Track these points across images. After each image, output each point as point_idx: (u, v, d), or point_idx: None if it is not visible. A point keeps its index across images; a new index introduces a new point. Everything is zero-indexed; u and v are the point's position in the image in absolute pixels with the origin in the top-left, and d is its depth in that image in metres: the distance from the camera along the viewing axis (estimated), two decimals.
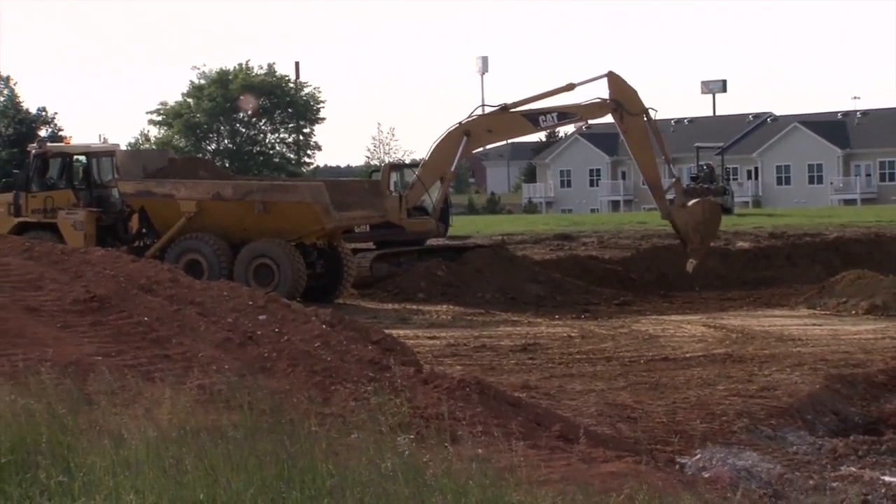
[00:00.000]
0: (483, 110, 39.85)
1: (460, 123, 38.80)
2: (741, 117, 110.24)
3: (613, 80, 37.58)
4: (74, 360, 13.67)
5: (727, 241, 43.62)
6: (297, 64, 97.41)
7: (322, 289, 33.38)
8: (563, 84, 38.83)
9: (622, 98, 37.41)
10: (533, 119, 39.17)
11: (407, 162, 48.95)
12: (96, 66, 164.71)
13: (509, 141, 55.44)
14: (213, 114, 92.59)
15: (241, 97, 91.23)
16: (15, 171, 45.73)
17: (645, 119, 37.76)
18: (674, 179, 40.44)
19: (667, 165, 40.80)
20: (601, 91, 38.30)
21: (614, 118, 38.00)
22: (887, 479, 14.96)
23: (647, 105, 38.16)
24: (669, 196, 39.16)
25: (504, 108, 38.75)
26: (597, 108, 38.81)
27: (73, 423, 9.93)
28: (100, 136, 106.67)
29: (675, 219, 37.65)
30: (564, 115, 40.06)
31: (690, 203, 38.54)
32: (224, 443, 9.09)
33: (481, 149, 57.15)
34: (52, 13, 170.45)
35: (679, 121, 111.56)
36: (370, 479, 8.18)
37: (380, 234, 38.20)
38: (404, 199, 38.43)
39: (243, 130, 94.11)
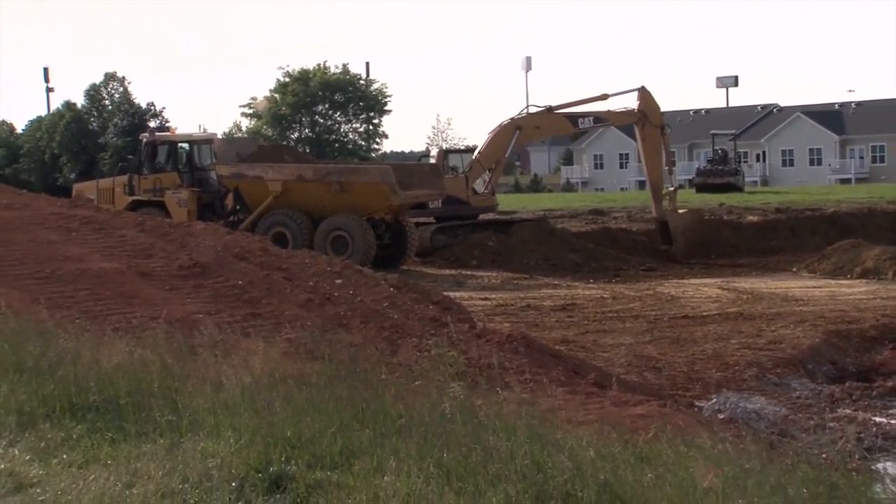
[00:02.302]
0: (529, 110, 40.86)
1: (512, 119, 39.80)
2: (751, 108, 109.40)
3: (644, 94, 39.04)
4: (180, 318, 13.76)
5: (739, 215, 43.38)
6: (367, 64, 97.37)
7: (389, 257, 33.42)
8: (598, 94, 40.11)
9: (648, 110, 39.07)
10: (573, 120, 41.30)
11: (462, 147, 48.79)
12: (197, 66, 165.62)
13: None
14: (296, 107, 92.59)
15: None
16: (129, 157, 46.09)
17: (661, 132, 38.85)
18: (673, 188, 40.92)
19: (670, 175, 41.67)
20: (629, 100, 39.85)
21: (637, 125, 39.73)
22: (878, 419, 14.89)
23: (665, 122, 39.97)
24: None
25: (549, 109, 40.46)
26: (626, 115, 40.51)
27: (181, 370, 10.00)
28: (200, 126, 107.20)
29: (669, 220, 38.75)
30: (599, 119, 42.08)
31: (681, 211, 39.59)
32: (307, 388, 9.13)
33: (529, 142, 57.61)
34: (159, 21, 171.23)
35: (697, 111, 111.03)
36: (432, 419, 8.19)
37: (451, 209, 38.34)
38: (468, 179, 38.95)
39: (321, 121, 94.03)
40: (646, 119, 39.04)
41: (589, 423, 9.71)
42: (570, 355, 15.96)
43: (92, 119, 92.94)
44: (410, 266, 33.98)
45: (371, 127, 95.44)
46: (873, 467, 11.32)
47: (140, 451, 8.07)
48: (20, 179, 78.30)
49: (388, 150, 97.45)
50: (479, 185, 39.86)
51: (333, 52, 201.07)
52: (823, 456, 10.65)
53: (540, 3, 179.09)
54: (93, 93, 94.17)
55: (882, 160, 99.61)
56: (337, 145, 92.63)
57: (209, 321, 13.18)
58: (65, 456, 8.11)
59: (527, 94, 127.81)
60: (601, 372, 14.43)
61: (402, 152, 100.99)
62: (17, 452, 8.25)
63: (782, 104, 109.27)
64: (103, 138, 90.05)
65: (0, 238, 18.36)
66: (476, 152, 41.24)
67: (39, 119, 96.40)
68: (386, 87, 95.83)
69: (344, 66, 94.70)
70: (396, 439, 7.84)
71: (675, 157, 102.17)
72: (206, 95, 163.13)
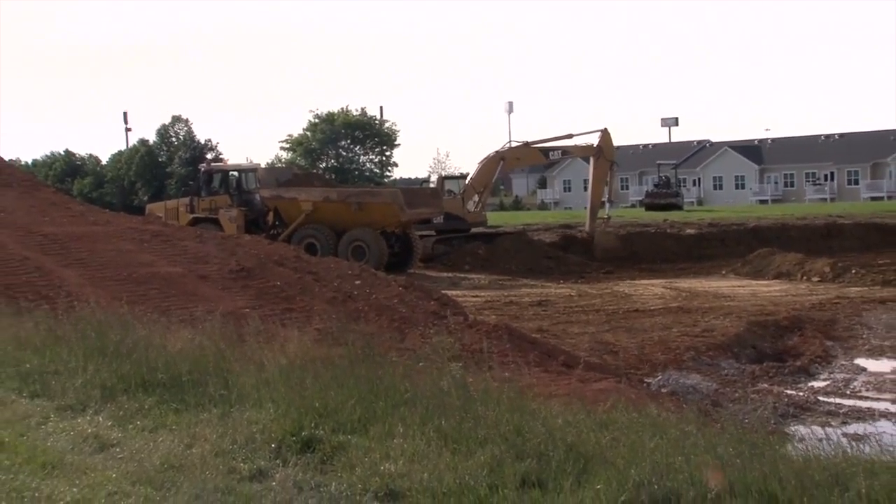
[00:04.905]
0: (511, 144, 41.50)
1: (497, 152, 40.38)
2: (688, 143, 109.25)
3: (605, 135, 39.86)
4: (231, 311, 13.76)
5: (679, 228, 43.37)
6: (381, 108, 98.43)
7: (399, 263, 33.46)
8: (565, 133, 41.15)
9: (605, 147, 40.09)
10: (545, 153, 42.62)
11: (457, 175, 49.02)
12: (245, 109, 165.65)
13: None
14: (324, 142, 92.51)
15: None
16: (190, 182, 46.15)
17: (610, 167, 39.30)
18: (607, 216, 41.98)
19: (609, 203, 43.13)
20: (590, 137, 40.71)
21: (593, 157, 40.09)
22: (789, 392, 14.86)
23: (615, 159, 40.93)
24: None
25: (527, 144, 41.11)
26: (586, 149, 41.36)
27: (231, 354, 9.99)
28: (247, 158, 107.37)
29: (597, 238, 39.68)
30: (566, 152, 43.11)
31: (608, 231, 40.45)
32: (333, 368, 9.12)
33: (511, 170, 58.28)
34: (216, 73, 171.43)
35: (645, 145, 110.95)
36: (432, 394, 8.18)
37: (449, 224, 38.42)
38: (463, 200, 39.23)
39: (344, 154, 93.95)
40: (601, 153, 39.56)
41: (559, 397, 9.70)
42: (544, 342, 15.96)
43: (161, 153, 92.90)
44: (416, 270, 34.01)
45: (384, 158, 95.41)
46: (785, 430, 11.31)
47: (198, 419, 8.05)
48: (104, 201, 78.21)
49: (397, 177, 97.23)
50: (471, 205, 40.02)
51: (354, 97, 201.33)
52: (746, 421, 10.63)
53: (520, 58, 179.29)
54: (162, 131, 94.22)
55: (792, 185, 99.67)
56: (356, 173, 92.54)
57: (254, 314, 13.18)
58: (138, 422, 8.10)
59: (509, 131, 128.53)
60: (569, 355, 14.43)
61: (409, 178, 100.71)
62: (101, 419, 8.23)
63: (713, 140, 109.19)
64: (170, 168, 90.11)
65: (88, 248, 18.36)
66: (468, 178, 41.56)
67: (120, 153, 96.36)
68: (396, 126, 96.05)
69: (362, 109, 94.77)
70: (404, 409, 7.83)
71: (628, 183, 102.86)
72: (252, 133, 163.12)
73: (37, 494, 6.19)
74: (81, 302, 13.18)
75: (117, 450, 7.32)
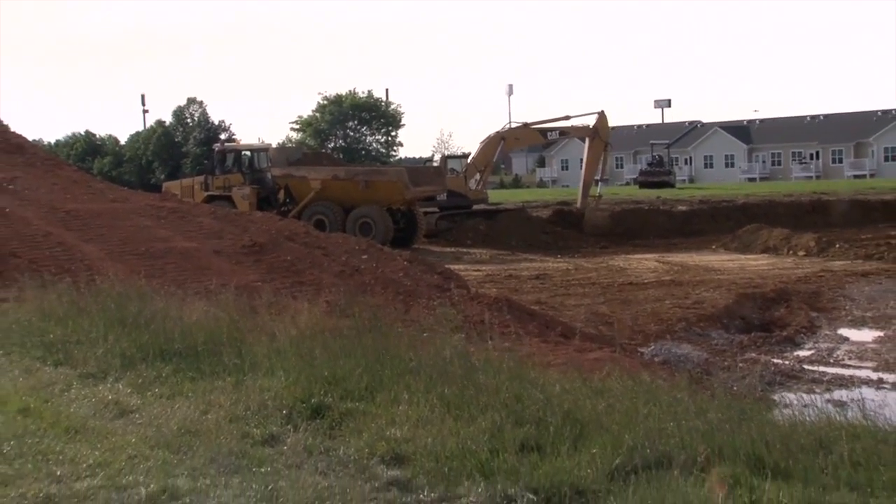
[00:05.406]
0: (511, 125, 41.43)
1: (497, 132, 40.25)
2: (680, 124, 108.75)
3: (601, 117, 39.64)
4: (244, 285, 13.75)
5: (671, 205, 43.32)
6: (386, 90, 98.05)
7: (404, 238, 33.37)
8: (562, 115, 40.94)
9: (601, 129, 39.76)
10: (543, 133, 42.31)
11: (459, 154, 48.93)
12: (257, 92, 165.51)
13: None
14: (332, 123, 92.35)
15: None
16: (205, 162, 46.08)
17: (604, 147, 39.22)
18: (599, 195, 41.51)
19: (601, 182, 42.32)
20: (587, 119, 40.35)
21: (588, 138, 39.57)
22: (776, 360, 14.88)
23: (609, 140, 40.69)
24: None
25: (526, 125, 40.80)
26: (582, 130, 41.11)
27: (244, 324, 10.00)
28: (258, 138, 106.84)
29: (587, 215, 39.27)
30: (563, 133, 42.44)
31: (599, 209, 40.07)
32: (341, 339, 9.12)
33: (511, 150, 58.22)
34: (229, 57, 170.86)
35: (640, 126, 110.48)
36: (436, 362, 8.18)
37: (451, 201, 38.33)
38: (465, 178, 39.16)
39: (351, 134, 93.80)
40: (596, 134, 39.34)
41: (556, 366, 9.70)
42: (542, 313, 15.96)
43: (177, 133, 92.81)
44: (420, 245, 33.97)
45: (390, 138, 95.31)
46: (772, 397, 11.33)
47: (213, 386, 8.06)
48: (123, 179, 78.11)
49: (402, 156, 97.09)
50: (472, 183, 39.95)
51: (361, 80, 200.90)
52: (735, 388, 10.66)
53: (521, 41, 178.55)
54: (178, 113, 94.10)
55: (780, 163, 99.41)
56: (363, 152, 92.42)
57: (266, 287, 13.18)
58: (156, 389, 8.11)
59: (509, 113, 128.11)
60: (566, 326, 14.42)
61: (414, 157, 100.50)
62: (120, 387, 8.25)
63: (704, 121, 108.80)
64: (185, 148, 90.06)
65: (108, 224, 18.35)
66: (470, 157, 41.42)
67: (138, 134, 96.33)
68: (401, 108, 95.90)
69: (369, 91, 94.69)
70: (409, 378, 7.83)
71: (623, 162, 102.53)
72: (263, 114, 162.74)
73: (61, 457, 6.21)
74: (102, 275, 13.19)
75: (136, 415, 7.34)
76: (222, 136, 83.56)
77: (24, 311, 11.32)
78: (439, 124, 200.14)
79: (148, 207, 20.20)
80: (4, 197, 19.80)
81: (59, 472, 5.89)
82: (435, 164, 46.42)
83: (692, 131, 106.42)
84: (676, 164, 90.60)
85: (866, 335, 17.39)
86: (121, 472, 5.88)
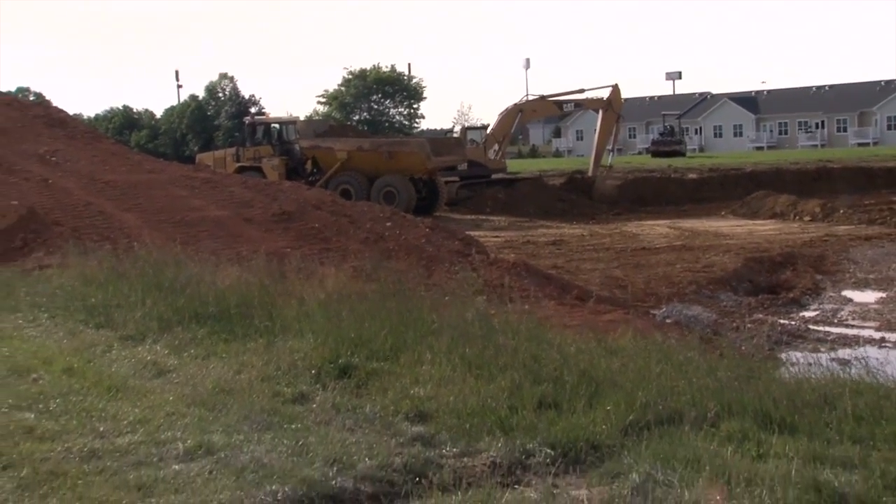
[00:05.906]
0: (528, 98, 41.32)
1: (515, 105, 40.20)
2: (691, 95, 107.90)
3: (615, 89, 39.45)
4: (274, 251, 13.79)
5: (682, 173, 43.06)
6: (409, 65, 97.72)
7: (426, 206, 33.34)
8: (577, 88, 41.21)
9: (614, 101, 39.79)
10: (559, 105, 42.22)
11: (479, 126, 48.85)
12: (286, 66, 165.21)
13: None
14: (357, 96, 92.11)
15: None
16: (236, 134, 46.15)
17: (616, 119, 39.09)
18: (610, 164, 41.43)
19: (613, 152, 42.41)
20: (601, 92, 40.57)
21: (601, 109, 39.41)
22: (782, 321, 14.81)
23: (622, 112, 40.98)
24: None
25: (542, 98, 40.74)
26: (596, 102, 41.09)
27: (274, 289, 10.02)
28: (287, 111, 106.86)
29: (597, 183, 39.13)
30: (578, 105, 42.56)
31: (608, 181, 39.68)
32: (366, 302, 9.13)
33: (528, 121, 58.11)
34: (259, 33, 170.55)
35: (651, 97, 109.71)
36: (457, 324, 8.18)
37: (472, 171, 38.28)
38: (484, 148, 39.13)
39: (375, 107, 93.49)
40: (609, 106, 39.23)
41: (572, 327, 9.69)
42: (558, 277, 15.94)
43: (210, 107, 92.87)
44: (441, 213, 33.95)
45: (412, 110, 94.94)
46: (779, 356, 11.28)
47: (245, 348, 8.09)
48: (159, 151, 78.33)
49: (424, 128, 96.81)
50: (491, 153, 39.88)
51: (385, 54, 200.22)
52: (743, 348, 10.63)
53: (538, 16, 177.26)
54: (211, 88, 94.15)
55: (786, 133, 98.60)
56: (387, 124, 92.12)
57: (294, 253, 13.21)
58: (192, 351, 8.15)
59: (526, 85, 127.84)
60: (582, 289, 14.40)
61: (435, 129, 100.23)
62: (158, 348, 8.29)
63: (714, 92, 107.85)
64: (217, 121, 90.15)
65: (145, 193, 18.41)
66: (489, 129, 41.38)
67: (172, 108, 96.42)
68: (423, 81, 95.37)
69: (392, 65, 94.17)
70: (431, 339, 7.83)
71: (636, 132, 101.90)
72: (291, 89, 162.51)
73: (103, 414, 6.26)
74: (140, 242, 13.25)
75: (173, 375, 7.38)
76: (252, 110, 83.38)
77: (67, 277, 11.41)
78: (459, 97, 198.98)
79: (182, 178, 20.26)
80: (47, 168, 19.90)
81: (101, 428, 5.94)
82: (455, 136, 46.34)
83: (702, 102, 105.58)
84: (687, 134, 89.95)
85: (869, 296, 17.29)
86: (159, 428, 5.92)
